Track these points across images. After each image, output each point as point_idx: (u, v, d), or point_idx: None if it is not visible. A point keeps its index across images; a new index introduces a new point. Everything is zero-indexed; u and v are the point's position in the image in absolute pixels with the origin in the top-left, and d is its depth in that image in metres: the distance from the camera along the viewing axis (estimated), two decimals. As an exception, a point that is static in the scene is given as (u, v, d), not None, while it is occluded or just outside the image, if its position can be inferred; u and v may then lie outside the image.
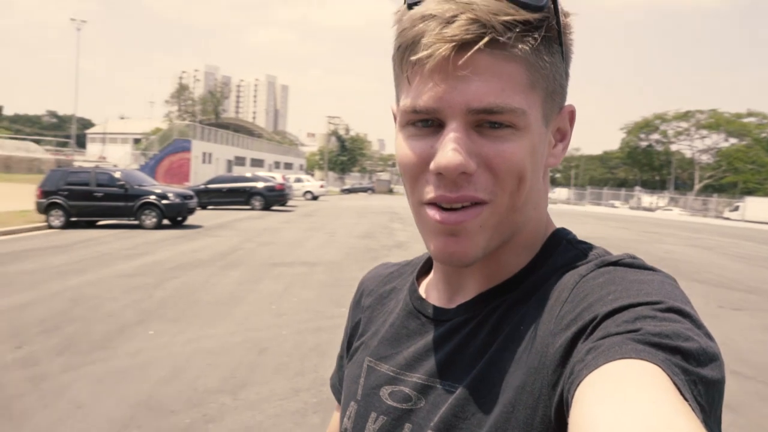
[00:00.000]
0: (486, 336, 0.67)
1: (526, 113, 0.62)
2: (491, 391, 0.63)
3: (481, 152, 0.62)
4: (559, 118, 0.70)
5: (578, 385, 0.50)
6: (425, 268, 0.86)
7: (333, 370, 0.99)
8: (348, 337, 0.92)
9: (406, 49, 0.63)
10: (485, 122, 0.62)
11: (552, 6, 0.63)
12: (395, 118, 0.73)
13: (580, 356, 0.53)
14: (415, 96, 0.63)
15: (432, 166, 0.63)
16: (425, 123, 0.64)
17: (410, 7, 0.63)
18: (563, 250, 0.70)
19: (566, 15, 0.66)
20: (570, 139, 0.72)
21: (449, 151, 0.61)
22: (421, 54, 0.60)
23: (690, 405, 0.46)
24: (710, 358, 0.52)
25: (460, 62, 0.60)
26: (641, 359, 0.49)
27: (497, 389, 0.63)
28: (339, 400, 0.93)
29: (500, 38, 0.60)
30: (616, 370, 0.49)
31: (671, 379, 0.47)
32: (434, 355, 0.72)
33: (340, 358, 0.95)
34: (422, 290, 0.81)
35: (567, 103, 0.71)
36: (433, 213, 0.65)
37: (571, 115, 0.72)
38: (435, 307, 0.77)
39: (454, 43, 0.59)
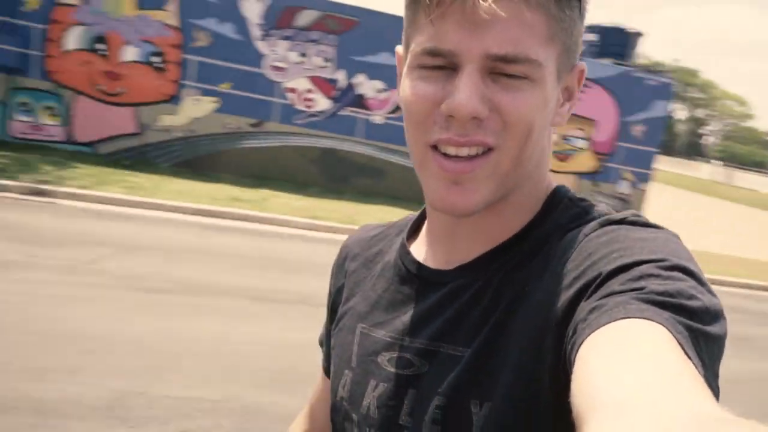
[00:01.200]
0: (490, 299, 0.66)
1: (542, 65, 0.62)
2: (499, 354, 0.62)
3: (493, 98, 0.62)
4: (570, 77, 0.69)
5: (581, 344, 0.50)
6: (413, 229, 0.83)
7: (321, 330, 0.96)
8: (331, 303, 0.89)
9: None
10: (500, 70, 0.61)
11: None
12: (399, 62, 0.73)
13: (583, 315, 0.53)
14: (431, 37, 0.62)
15: (444, 107, 0.62)
16: (437, 67, 0.63)
17: None
18: (565, 208, 0.70)
19: None
20: (576, 100, 0.71)
21: (464, 94, 0.60)
22: None
23: (693, 362, 0.46)
24: (714, 315, 0.51)
25: (483, 6, 0.59)
26: (645, 318, 0.49)
27: (504, 352, 0.62)
28: (327, 354, 0.91)
29: None
30: (619, 330, 0.49)
31: (675, 337, 0.47)
32: (436, 319, 0.70)
33: (326, 325, 0.93)
34: (414, 252, 0.79)
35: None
36: (438, 160, 0.65)
37: (581, 74, 0.71)
38: (431, 270, 0.74)
39: None
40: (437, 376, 0.67)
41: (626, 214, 0.65)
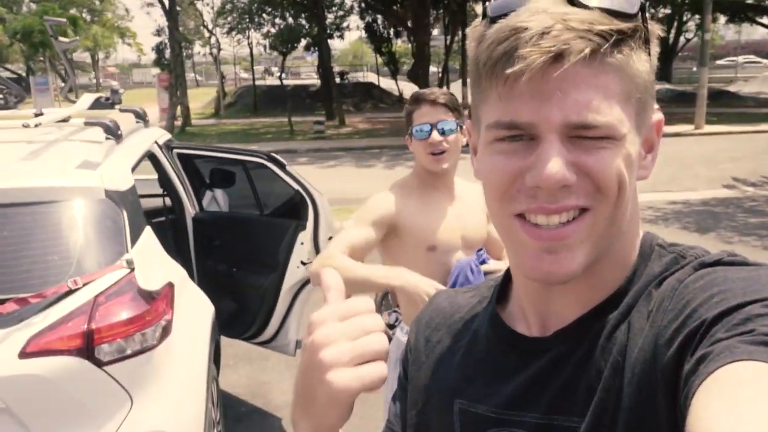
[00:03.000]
0: (597, 361, 0.64)
1: (622, 125, 0.61)
2: (612, 419, 0.61)
3: (578, 161, 0.60)
4: (648, 129, 0.68)
5: (692, 396, 0.48)
6: (499, 294, 0.79)
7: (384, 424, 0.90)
8: (413, 376, 0.84)
9: (497, 62, 0.60)
10: (581, 135, 0.60)
11: (640, 14, 0.61)
12: (469, 135, 0.73)
13: (691, 367, 0.51)
14: (508, 111, 0.61)
15: (530, 180, 0.61)
16: (515, 138, 0.62)
17: (493, 21, 0.62)
18: (656, 257, 0.68)
19: (651, 23, 0.64)
20: (658, 151, 0.70)
21: (550, 163, 0.59)
22: (517, 66, 0.58)
23: None
24: None
25: (556, 74, 0.58)
26: (755, 360, 0.47)
27: (617, 415, 0.61)
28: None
29: (597, 49, 0.58)
30: (729, 375, 0.47)
31: None
32: (543, 390, 0.67)
33: (398, 397, 0.88)
34: (506, 319, 0.76)
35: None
36: (527, 229, 0.63)
37: (659, 125, 0.70)
38: (529, 338, 0.72)
39: (551, 54, 0.57)
40: None
41: (721, 254, 0.63)
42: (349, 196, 8.72)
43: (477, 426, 0.72)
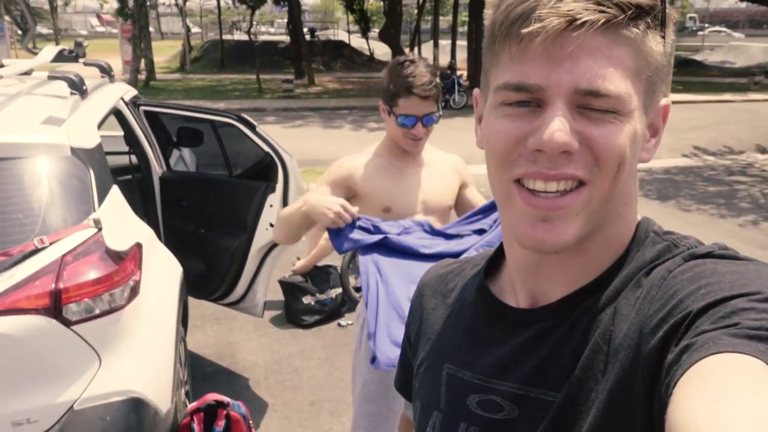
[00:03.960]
0: (579, 340, 0.65)
1: (630, 100, 0.61)
2: (588, 397, 0.62)
3: (583, 132, 0.60)
4: (655, 113, 0.67)
5: (674, 385, 0.49)
6: (490, 265, 0.81)
7: (395, 373, 0.98)
8: (412, 341, 0.88)
9: (513, 23, 0.60)
10: (588, 105, 0.60)
11: None
12: (476, 104, 0.72)
13: (674, 357, 0.52)
14: (518, 72, 0.61)
15: (532, 142, 0.61)
16: (522, 104, 0.62)
17: None
18: (650, 243, 0.68)
19: (670, 7, 0.63)
20: (661, 137, 0.70)
21: (554, 127, 0.59)
22: (534, 27, 0.58)
23: None
24: None
25: (571, 40, 0.58)
26: (738, 352, 0.47)
27: (593, 396, 0.61)
28: (408, 399, 0.92)
29: (613, 19, 0.58)
30: (711, 365, 0.47)
31: None
32: (524, 362, 0.69)
33: (402, 361, 0.94)
34: (495, 291, 0.77)
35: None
36: (525, 196, 0.63)
37: (666, 110, 0.69)
38: (516, 310, 0.73)
39: (569, 18, 0.57)
40: (528, 422, 0.66)
41: (712, 247, 0.63)
42: (317, 157, 8.66)
43: (460, 390, 0.75)
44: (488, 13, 0.65)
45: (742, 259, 0.60)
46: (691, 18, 58.99)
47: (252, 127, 3.30)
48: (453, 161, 2.25)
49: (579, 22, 0.57)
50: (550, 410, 0.64)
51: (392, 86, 2.02)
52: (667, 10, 0.62)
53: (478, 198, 2.26)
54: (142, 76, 20.22)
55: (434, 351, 0.81)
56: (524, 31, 0.59)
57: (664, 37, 0.63)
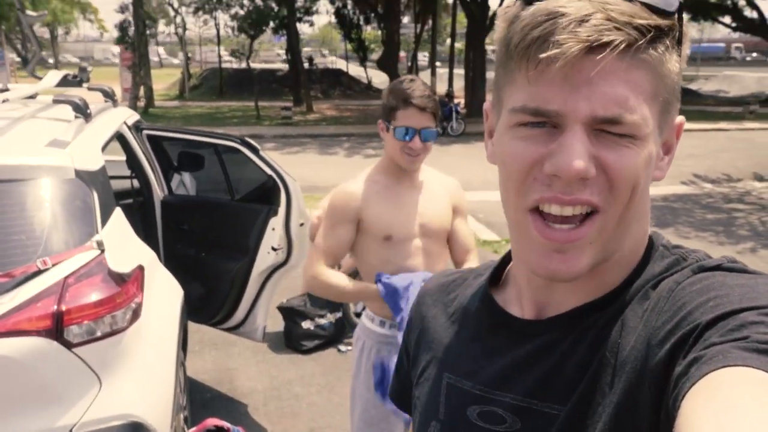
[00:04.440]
0: (585, 353, 0.64)
1: (647, 124, 0.60)
2: (596, 411, 0.61)
3: (599, 157, 0.60)
4: (670, 131, 0.66)
5: (682, 398, 0.48)
6: (495, 275, 0.81)
7: (391, 384, 0.97)
8: (413, 351, 0.87)
9: (530, 46, 0.59)
10: (605, 129, 0.59)
11: (677, 13, 0.60)
12: (486, 117, 0.71)
13: (682, 369, 0.51)
14: (535, 96, 0.60)
15: (548, 167, 0.60)
16: (538, 124, 0.61)
17: (529, 2, 0.60)
18: (659, 257, 0.67)
19: (686, 24, 0.63)
20: (674, 154, 0.69)
21: (572, 154, 0.58)
22: (552, 52, 0.57)
23: None
24: None
25: (589, 64, 0.57)
26: (748, 366, 0.47)
27: (600, 409, 0.61)
28: (402, 409, 0.92)
29: (633, 43, 0.57)
30: (720, 379, 0.47)
31: None
32: (528, 374, 0.68)
33: (398, 370, 0.93)
34: (499, 300, 0.77)
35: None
36: (539, 228, 0.62)
37: (680, 128, 0.68)
38: (523, 321, 0.72)
39: (587, 44, 0.56)
40: None
41: (721, 260, 0.63)
42: (314, 183, 8.69)
43: (460, 401, 0.74)
44: (501, 27, 0.64)
45: (752, 273, 0.60)
46: (737, 48, 60.70)
47: (255, 151, 3.31)
48: (449, 185, 2.23)
49: (597, 45, 0.56)
50: (554, 423, 0.63)
51: (391, 100, 2.03)
52: (683, 29, 0.62)
53: (466, 232, 2.23)
54: (141, 103, 20.35)
55: (434, 360, 0.80)
56: (542, 55, 0.58)
57: (680, 55, 0.62)
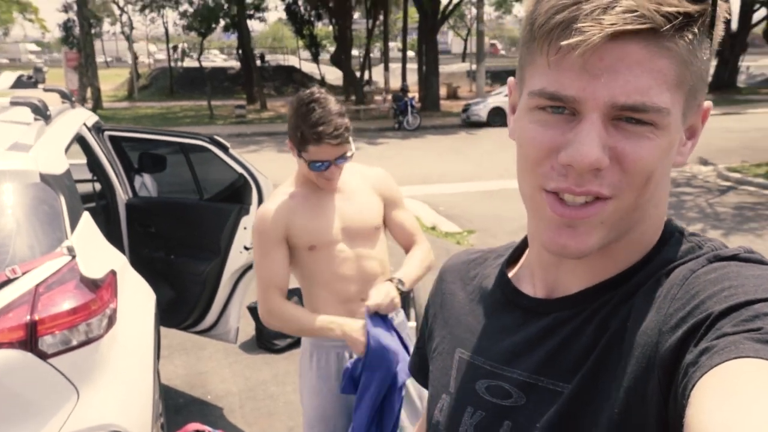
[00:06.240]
0: (593, 333, 0.64)
1: (669, 113, 0.58)
2: (601, 391, 0.61)
3: (616, 147, 0.59)
4: (695, 116, 0.65)
5: (692, 387, 0.48)
6: (513, 256, 0.81)
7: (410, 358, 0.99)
8: (429, 325, 0.89)
9: (552, 30, 0.58)
10: (625, 117, 0.58)
11: None
12: (511, 93, 0.71)
13: (693, 358, 0.51)
14: (554, 81, 0.59)
15: (564, 157, 0.59)
16: (557, 109, 0.60)
17: None
18: (674, 243, 0.67)
19: (720, 3, 0.60)
20: (699, 138, 0.68)
21: (586, 145, 0.57)
22: (573, 40, 0.56)
23: None
24: None
25: (611, 52, 0.56)
26: (760, 358, 0.46)
27: (607, 390, 0.60)
28: (423, 384, 0.92)
29: (659, 30, 0.55)
30: (732, 370, 0.46)
31: None
32: (536, 351, 0.68)
33: (418, 345, 0.94)
34: (514, 280, 0.77)
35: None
36: (552, 203, 0.62)
37: (706, 113, 0.67)
38: (533, 299, 0.73)
39: (611, 32, 0.55)
40: (535, 411, 0.65)
41: (738, 249, 0.62)
42: (276, 180, 8.60)
43: (470, 375, 0.75)
44: (528, 3, 0.63)
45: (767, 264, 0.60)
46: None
47: (225, 149, 3.24)
48: (372, 178, 2.15)
49: (620, 32, 0.55)
50: (557, 400, 0.64)
51: (301, 133, 1.94)
52: (717, 11, 0.59)
53: (404, 217, 2.17)
54: (89, 105, 19.78)
55: (449, 336, 0.82)
56: (564, 43, 0.57)
57: (711, 39, 0.60)
